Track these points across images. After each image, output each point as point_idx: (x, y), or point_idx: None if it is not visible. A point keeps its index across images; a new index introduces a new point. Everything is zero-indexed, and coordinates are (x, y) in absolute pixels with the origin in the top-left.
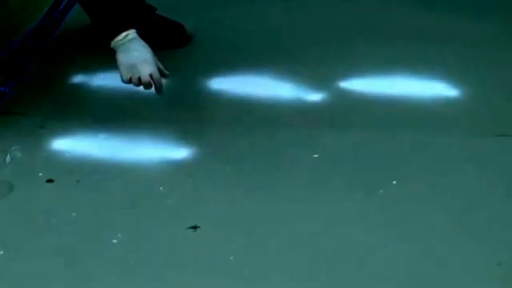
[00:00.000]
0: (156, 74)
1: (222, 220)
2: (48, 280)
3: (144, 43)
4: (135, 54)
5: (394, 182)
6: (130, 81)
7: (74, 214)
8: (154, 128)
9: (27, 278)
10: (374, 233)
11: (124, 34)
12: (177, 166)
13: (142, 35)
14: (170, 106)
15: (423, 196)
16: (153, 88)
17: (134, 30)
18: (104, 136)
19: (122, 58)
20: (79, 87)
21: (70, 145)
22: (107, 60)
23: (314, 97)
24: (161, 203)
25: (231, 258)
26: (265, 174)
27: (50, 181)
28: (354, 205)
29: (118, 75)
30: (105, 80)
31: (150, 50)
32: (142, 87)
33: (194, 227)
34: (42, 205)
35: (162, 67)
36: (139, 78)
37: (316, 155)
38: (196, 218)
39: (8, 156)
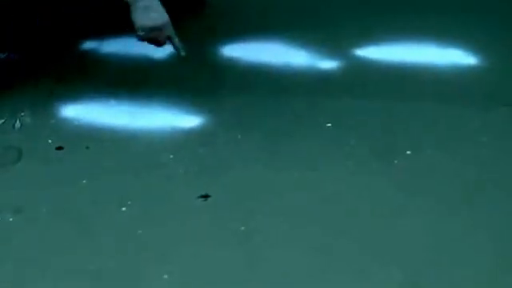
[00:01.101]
0: (174, 36)
1: (233, 189)
2: (57, 245)
3: (160, 4)
4: (153, 15)
5: (409, 152)
6: (147, 40)
7: (84, 181)
8: (165, 95)
9: (37, 243)
10: (386, 203)
11: None
12: (188, 134)
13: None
14: (181, 73)
15: (438, 167)
16: (168, 49)
17: None
18: (115, 102)
19: (139, 17)
20: (89, 53)
21: (79, 111)
22: (118, 25)
23: (328, 64)
24: (171, 171)
25: (242, 229)
26: (277, 142)
27: (59, 148)
28: (366, 174)
29: (129, 41)
30: (116, 45)
31: (165, 11)
32: (154, 47)
33: (205, 196)
34: (51, 171)
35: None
36: (157, 39)
37: (329, 124)
38: (207, 186)
39: (17, 121)
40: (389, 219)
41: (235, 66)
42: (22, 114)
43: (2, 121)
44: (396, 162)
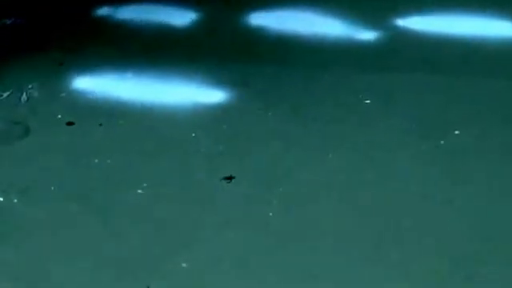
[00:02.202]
0: None
1: (260, 171)
2: (66, 230)
3: None
4: None
5: (457, 132)
6: None
7: (96, 160)
8: (187, 66)
9: (44, 227)
10: (430, 187)
11: None
12: (211, 110)
13: None
14: (205, 43)
15: (488, 149)
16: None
17: None
18: (131, 75)
19: None
20: (103, 20)
21: (92, 84)
22: None
23: (366, 35)
24: (192, 150)
25: (270, 214)
26: (309, 120)
27: (70, 123)
28: (408, 157)
29: (148, 7)
30: (132, 11)
31: None
32: None
33: (229, 178)
34: (61, 149)
35: None
36: None
37: (368, 100)
38: (231, 167)
39: (24, 95)
40: (432, 208)
41: (264, 36)
42: (30, 86)
43: (8, 93)
44: (442, 142)
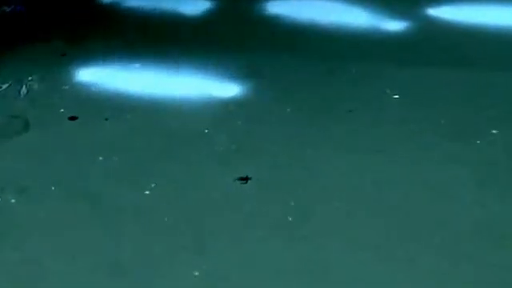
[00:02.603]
0: None
1: (278, 171)
2: (67, 233)
3: None
4: None
5: (494, 132)
6: None
7: (100, 157)
8: (198, 57)
9: (43, 229)
10: (461, 196)
11: None
12: (225, 104)
13: None
14: (218, 32)
15: None
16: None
17: None
18: (139, 66)
19: None
20: (110, 7)
21: (97, 76)
22: None
23: (394, 25)
24: (205, 148)
25: (289, 219)
26: (333, 116)
27: (72, 118)
28: (439, 159)
29: None
30: None
31: None
32: None
33: (245, 179)
34: (62, 146)
35: None
36: None
37: (396, 96)
38: (247, 167)
39: (23, 87)
40: (464, 216)
41: (281, 25)
42: (30, 78)
43: (6, 86)
44: (478, 142)
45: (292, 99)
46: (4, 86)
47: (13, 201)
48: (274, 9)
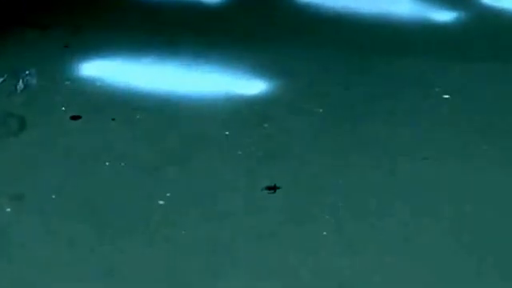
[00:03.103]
0: None
1: (311, 180)
2: (67, 245)
3: None
4: None
5: None
6: None
7: (106, 162)
8: (220, 51)
9: (42, 240)
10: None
11: None
12: (249, 104)
13: None
14: (242, 22)
15: None
16: None
17: None
18: (150, 60)
19: None
20: None
21: (103, 70)
22: None
23: (446, 16)
24: (227, 154)
25: (324, 233)
26: (372, 118)
27: (75, 117)
28: (496, 169)
29: None
30: None
31: None
32: None
33: (273, 188)
34: (64, 149)
35: None
36: None
37: (446, 95)
38: (275, 175)
39: (20, 82)
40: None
41: (314, 15)
42: (27, 71)
43: (1, 80)
44: None
45: (325, 98)
46: None
47: (8, 210)
48: None
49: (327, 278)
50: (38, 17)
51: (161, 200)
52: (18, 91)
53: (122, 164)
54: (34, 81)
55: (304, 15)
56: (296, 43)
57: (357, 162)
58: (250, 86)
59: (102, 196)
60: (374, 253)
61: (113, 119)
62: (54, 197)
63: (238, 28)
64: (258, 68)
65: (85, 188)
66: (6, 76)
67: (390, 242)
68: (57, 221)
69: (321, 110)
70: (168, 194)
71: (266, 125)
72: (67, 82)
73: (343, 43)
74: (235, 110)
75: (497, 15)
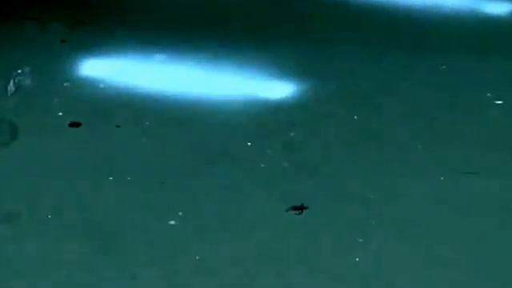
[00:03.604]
0: None
1: (343, 198)
2: (65, 271)
3: None
4: None
5: None
6: None
7: (110, 177)
8: (239, 49)
9: (37, 264)
10: None
11: None
12: (273, 110)
13: None
14: (267, 15)
15: None
16: None
17: None
18: (162, 58)
19: None
20: None
21: (107, 70)
22: None
23: (499, 8)
24: (248, 167)
25: (357, 260)
26: (412, 126)
27: (75, 124)
28: None
29: None
30: None
31: None
32: None
33: (300, 208)
34: (62, 161)
35: None
36: None
37: (499, 101)
38: (302, 193)
39: (11, 83)
40: None
41: (349, 6)
42: (19, 71)
43: None
44: None
45: (360, 103)
46: None
47: None
48: None
49: None
50: (33, 7)
51: (172, 220)
52: (9, 94)
53: (129, 178)
54: (27, 81)
55: (334, 9)
56: (325, 41)
57: (394, 176)
58: (275, 89)
59: (105, 216)
60: (408, 278)
61: (118, 126)
62: (49, 216)
63: (260, 24)
64: (284, 69)
65: (85, 206)
66: None
67: (431, 264)
68: (53, 244)
69: (355, 117)
70: (180, 213)
71: (292, 134)
72: (66, 84)
73: (383, 39)
74: (257, 116)
75: None
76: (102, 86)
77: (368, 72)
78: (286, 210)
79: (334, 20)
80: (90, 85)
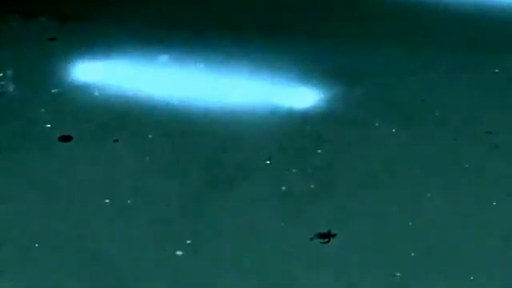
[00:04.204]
0: None
1: (377, 225)
2: None
3: None
4: None
5: None
6: None
7: (106, 200)
8: (256, 49)
9: None
10: None
11: None
12: (297, 122)
13: None
14: (293, 10)
15: None
16: None
17: None
18: (166, 60)
19: None
20: None
21: (102, 73)
22: None
23: None
24: (267, 189)
25: None
26: (462, 142)
27: (65, 138)
28: None
29: None
30: None
31: None
32: None
33: (327, 236)
34: (50, 181)
35: None
36: None
37: None
38: (330, 218)
39: None
40: None
41: (381, 5)
42: (1, 74)
43: None
44: None
45: (401, 115)
46: None
47: None
48: None
49: None
50: (16, 1)
51: (179, 250)
52: None
53: (129, 201)
54: (10, 88)
55: (368, 4)
56: (359, 39)
57: (438, 199)
58: (298, 97)
59: (102, 244)
60: None
61: (115, 141)
62: (37, 245)
63: (280, 20)
64: (309, 73)
65: (79, 234)
66: None
67: None
68: (43, 278)
69: (393, 130)
70: (188, 242)
71: (319, 150)
72: (54, 90)
73: (429, 40)
74: (278, 129)
75: None
76: (96, 93)
77: (408, 76)
78: (311, 239)
79: (368, 15)
80: (83, 92)
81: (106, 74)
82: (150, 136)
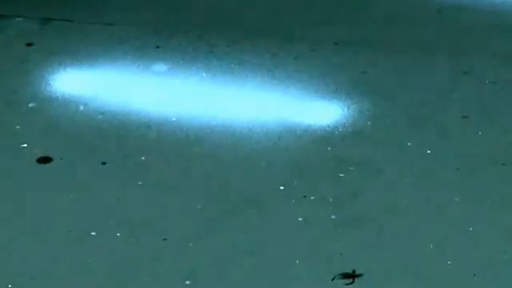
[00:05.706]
0: None
1: (408, 263)
2: None
3: None
4: None
5: None
6: None
7: (93, 233)
8: (266, 56)
9: None
10: None
11: None
12: (316, 141)
13: None
14: (298, 12)
15: None
16: None
17: None
18: (162, 69)
19: None
20: None
21: (89, 85)
22: None
23: None
24: (280, 220)
25: None
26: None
27: (45, 160)
28: None
29: None
30: None
31: None
32: None
33: (351, 276)
34: (29, 212)
35: None
36: None
37: None
38: (354, 257)
39: None
40: None
41: (397, 5)
42: None
43: None
44: None
45: (435, 131)
46: None
47: None
48: None
49: None
50: None
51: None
52: None
53: (118, 234)
54: None
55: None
56: (387, 43)
57: (481, 235)
58: (318, 112)
59: (91, 278)
60: None
61: (103, 163)
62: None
63: (294, 23)
64: (331, 85)
65: (60, 274)
66: None
67: None
68: None
69: (428, 151)
70: (188, 283)
71: (342, 174)
72: (31, 104)
73: (466, 48)
74: (294, 151)
75: None
76: (82, 107)
77: (443, 88)
78: (333, 279)
79: (397, 16)
80: (65, 106)
81: (93, 85)
82: (142, 158)
